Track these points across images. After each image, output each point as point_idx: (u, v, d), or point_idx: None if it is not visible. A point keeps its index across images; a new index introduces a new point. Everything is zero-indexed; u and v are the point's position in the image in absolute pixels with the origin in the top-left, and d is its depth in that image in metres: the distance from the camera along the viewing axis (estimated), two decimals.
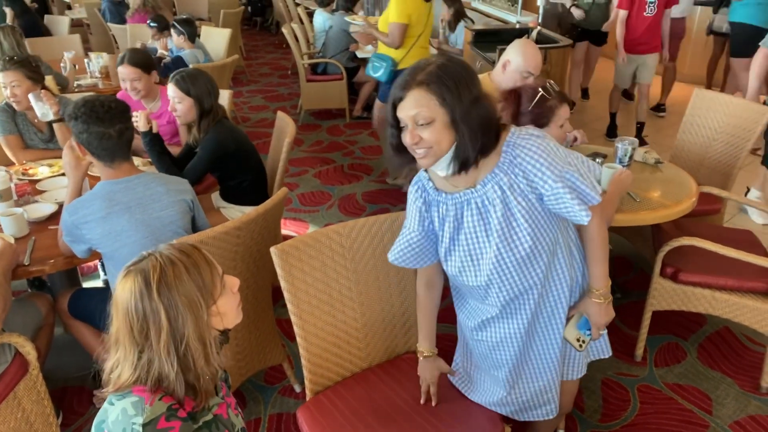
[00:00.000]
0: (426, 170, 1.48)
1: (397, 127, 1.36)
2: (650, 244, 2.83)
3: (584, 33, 5.45)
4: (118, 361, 1.05)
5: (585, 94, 6.18)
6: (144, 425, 0.98)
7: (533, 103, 1.97)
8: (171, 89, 2.50)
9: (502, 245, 1.40)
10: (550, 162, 1.36)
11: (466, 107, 1.28)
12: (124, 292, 1.03)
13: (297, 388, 2.40)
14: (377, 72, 3.77)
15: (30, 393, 1.89)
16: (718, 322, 2.77)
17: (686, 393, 2.37)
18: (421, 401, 1.70)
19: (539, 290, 1.49)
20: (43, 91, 2.70)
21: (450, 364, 1.77)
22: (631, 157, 2.52)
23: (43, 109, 2.69)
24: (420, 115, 1.29)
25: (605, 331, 1.66)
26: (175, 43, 4.53)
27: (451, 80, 1.28)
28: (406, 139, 1.33)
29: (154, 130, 2.50)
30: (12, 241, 2.06)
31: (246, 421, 2.26)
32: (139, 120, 2.43)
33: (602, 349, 1.72)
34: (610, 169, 2.16)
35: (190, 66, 4.19)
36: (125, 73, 2.90)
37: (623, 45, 4.61)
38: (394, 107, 1.34)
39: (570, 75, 5.55)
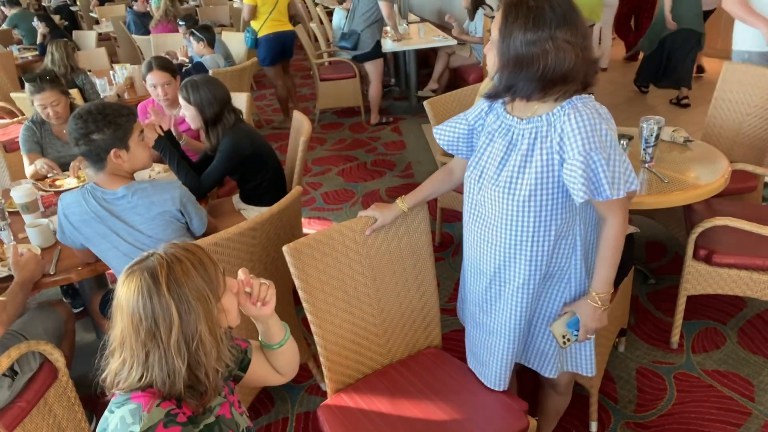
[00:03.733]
0: None
1: None
2: (684, 227, 2.72)
3: None
4: (124, 363, 1.04)
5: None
6: None
7: None
8: (179, 97, 2.55)
9: (507, 181, 1.42)
10: (588, 136, 1.32)
11: (518, 42, 1.31)
12: (129, 292, 1.02)
13: (323, 387, 2.39)
14: (246, 40, 5.15)
15: (60, 399, 1.93)
16: (759, 305, 2.65)
17: (726, 380, 2.26)
18: (367, 232, 1.73)
19: (512, 241, 1.46)
20: None
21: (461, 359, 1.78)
22: (657, 137, 2.42)
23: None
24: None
25: (591, 348, 1.61)
26: (194, 49, 4.58)
27: (526, 11, 1.30)
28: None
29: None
30: (38, 251, 2.11)
31: (274, 420, 2.27)
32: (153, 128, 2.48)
33: (586, 366, 1.64)
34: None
35: (210, 71, 4.25)
36: (156, 78, 2.93)
37: None
38: None
39: None
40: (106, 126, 1.83)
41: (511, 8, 1.32)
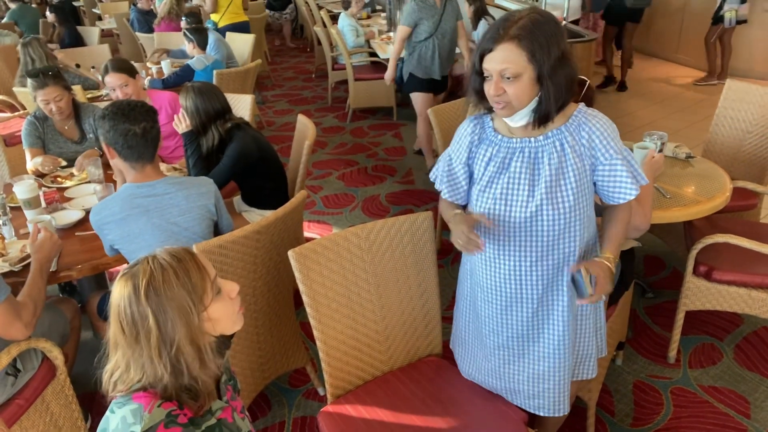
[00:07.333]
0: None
1: (481, 74, 1.38)
2: (683, 242, 2.74)
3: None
4: (118, 364, 1.05)
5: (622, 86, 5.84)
6: None
7: (582, 93, 1.94)
8: None
9: (546, 197, 1.41)
10: (615, 137, 1.43)
11: (553, 64, 1.31)
12: (116, 296, 1.04)
13: (321, 391, 2.39)
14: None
15: (58, 397, 1.92)
16: (756, 322, 2.66)
17: (722, 396, 2.27)
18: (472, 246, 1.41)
19: (560, 256, 1.47)
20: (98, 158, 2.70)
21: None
22: (660, 152, 2.44)
23: (97, 175, 2.64)
24: (508, 71, 1.31)
25: (595, 352, 1.67)
26: (187, 50, 4.59)
27: (543, 36, 1.29)
28: (490, 90, 1.36)
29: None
30: (53, 229, 2.09)
31: (270, 425, 2.26)
32: (180, 122, 2.56)
33: (591, 370, 1.70)
34: (642, 150, 2.10)
35: (197, 70, 4.28)
36: (112, 80, 2.93)
37: None
38: (481, 57, 1.36)
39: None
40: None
41: (531, 37, 1.28)
